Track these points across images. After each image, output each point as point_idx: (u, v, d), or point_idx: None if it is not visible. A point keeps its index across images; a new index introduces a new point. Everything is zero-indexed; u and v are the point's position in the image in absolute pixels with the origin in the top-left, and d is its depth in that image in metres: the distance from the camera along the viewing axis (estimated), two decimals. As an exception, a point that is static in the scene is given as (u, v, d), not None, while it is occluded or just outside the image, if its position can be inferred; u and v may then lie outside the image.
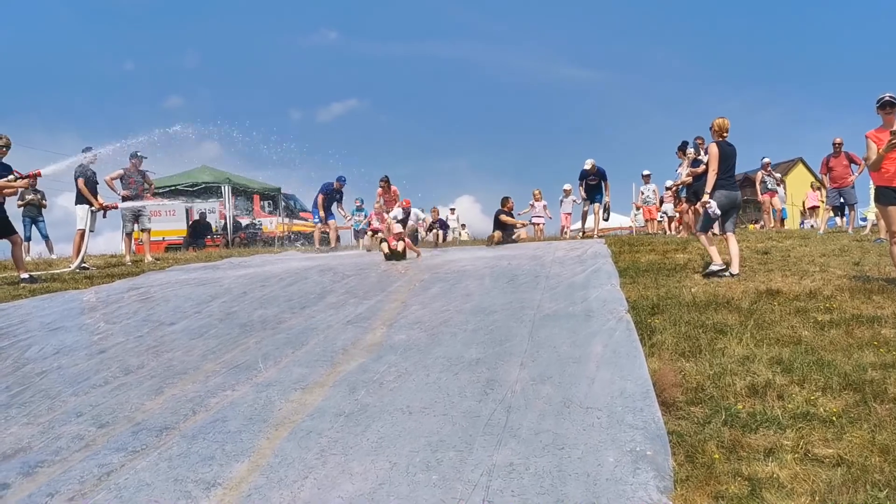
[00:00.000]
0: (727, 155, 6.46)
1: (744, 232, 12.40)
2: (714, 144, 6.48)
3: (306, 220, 19.35)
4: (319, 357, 4.12)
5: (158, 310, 6.04)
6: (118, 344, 4.74)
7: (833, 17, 64.81)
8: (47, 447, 2.95)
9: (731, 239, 6.44)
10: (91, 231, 9.36)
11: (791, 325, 4.36)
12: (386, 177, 12.96)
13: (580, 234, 14.42)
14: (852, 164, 10.41)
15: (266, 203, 20.62)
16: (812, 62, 67.91)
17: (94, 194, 9.36)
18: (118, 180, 9.91)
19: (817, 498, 2.29)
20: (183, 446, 2.88)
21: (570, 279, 6.35)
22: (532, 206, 15.13)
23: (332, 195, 12.62)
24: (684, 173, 10.99)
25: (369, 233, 12.73)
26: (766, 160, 13.66)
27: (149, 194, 10.43)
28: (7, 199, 7.67)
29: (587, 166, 12.78)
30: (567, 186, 14.84)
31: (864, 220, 11.80)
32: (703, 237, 6.62)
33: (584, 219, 14.10)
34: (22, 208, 11.73)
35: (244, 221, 19.32)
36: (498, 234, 12.13)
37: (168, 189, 17.92)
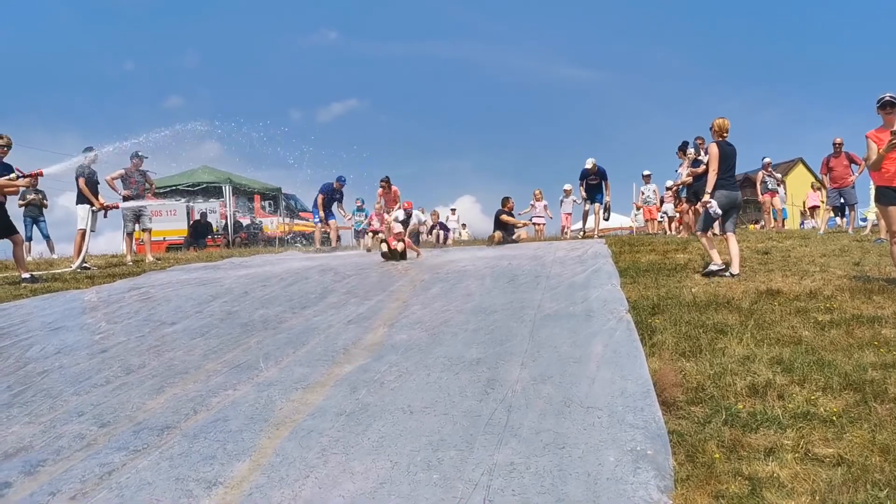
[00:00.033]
0: (727, 155, 6.47)
1: (744, 232, 12.40)
2: (714, 144, 6.49)
3: (307, 220, 19.37)
4: (320, 357, 4.12)
5: (159, 309, 6.05)
6: (119, 343, 4.75)
7: (833, 17, 64.89)
8: (49, 446, 2.96)
9: (732, 239, 6.45)
10: (92, 231, 9.36)
11: (791, 325, 4.37)
12: (387, 177, 12.99)
13: (581, 234, 14.41)
14: (852, 165, 10.41)
15: (267, 203, 20.64)
16: (812, 62, 68.00)
17: (95, 194, 9.35)
18: (119, 180, 9.91)
19: (818, 497, 2.29)
20: (184, 445, 2.89)
21: (571, 279, 6.35)
22: (532, 206, 15.14)
23: (332, 195, 12.63)
24: (684, 173, 11.00)
25: (370, 233, 12.73)
26: (768, 160, 13.65)
27: (150, 194, 10.45)
28: (8, 198, 7.68)
29: (588, 165, 12.76)
30: (567, 186, 14.83)
31: (865, 220, 11.80)
32: (703, 237, 6.63)
33: (584, 219, 14.08)
34: (23, 208, 11.75)
35: (245, 221, 19.35)
36: (498, 234, 12.13)
37: (169, 189, 17.95)
